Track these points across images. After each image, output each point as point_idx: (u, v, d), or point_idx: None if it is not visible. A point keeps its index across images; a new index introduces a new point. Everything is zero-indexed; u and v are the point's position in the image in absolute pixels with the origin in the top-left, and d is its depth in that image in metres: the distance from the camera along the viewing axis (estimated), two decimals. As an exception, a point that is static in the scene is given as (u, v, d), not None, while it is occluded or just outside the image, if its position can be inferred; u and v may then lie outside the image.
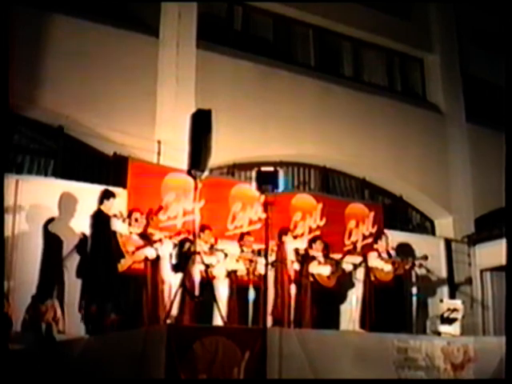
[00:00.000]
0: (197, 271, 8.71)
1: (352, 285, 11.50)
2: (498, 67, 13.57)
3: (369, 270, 11.44)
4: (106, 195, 9.66)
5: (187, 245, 9.76)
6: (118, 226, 9.48)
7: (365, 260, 11.35)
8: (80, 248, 9.64)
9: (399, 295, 11.26)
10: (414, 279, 11.15)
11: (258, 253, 10.44)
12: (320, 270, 11.06)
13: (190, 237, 9.66)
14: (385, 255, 11.57)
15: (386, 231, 12.68)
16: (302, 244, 11.10)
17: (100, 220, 9.39)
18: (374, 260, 11.59)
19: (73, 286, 9.59)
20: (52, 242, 9.94)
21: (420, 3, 16.63)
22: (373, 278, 11.42)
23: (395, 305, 11.21)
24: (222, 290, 10.29)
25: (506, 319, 8.45)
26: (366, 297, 11.39)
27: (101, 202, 9.59)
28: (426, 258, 11.81)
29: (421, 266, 11.63)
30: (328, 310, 11.04)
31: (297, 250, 10.81)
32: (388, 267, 11.42)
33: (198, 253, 8.84)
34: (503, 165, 8.96)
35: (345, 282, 11.40)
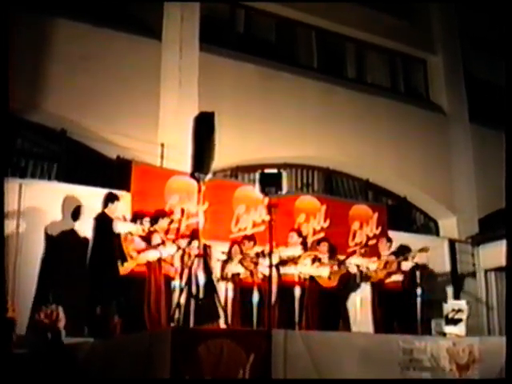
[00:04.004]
0: (201, 273, 8.69)
1: (355, 286, 11.52)
2: (501, 68, 13.55)
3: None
4: (111, 198, 9.67)
5: (191, 247, 9.79)
6: (121, 228, 9.50)
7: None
8: (82, 252, 9.65)
9: (403, 296, 11.23)
10: (418, 280, 11.06)
11: (263, 254, 10.46)
12: (318, 271, 11.07)
13: (194, 239, 9.68)
14: (387, 256, 11.59)
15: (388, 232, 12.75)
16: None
17: (103, 223, 9.42)
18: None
19: (73, 289, 9.61)
20: (53, 246, 9.96)
21: (422, 5, 16.63)
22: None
23: (400, 306, 11.20)
24: (226, 292, 10.30)
25: (507, 319, 8.43)
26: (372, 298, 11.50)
27: (105, 205, 9.60)
28: (425, 250, 11.64)
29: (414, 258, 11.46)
30: (331, 310, 11.03)
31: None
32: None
33: (202, 255, 8.83)
34: (506, 165, 8.96)
35: (347, 282, 11.41)
